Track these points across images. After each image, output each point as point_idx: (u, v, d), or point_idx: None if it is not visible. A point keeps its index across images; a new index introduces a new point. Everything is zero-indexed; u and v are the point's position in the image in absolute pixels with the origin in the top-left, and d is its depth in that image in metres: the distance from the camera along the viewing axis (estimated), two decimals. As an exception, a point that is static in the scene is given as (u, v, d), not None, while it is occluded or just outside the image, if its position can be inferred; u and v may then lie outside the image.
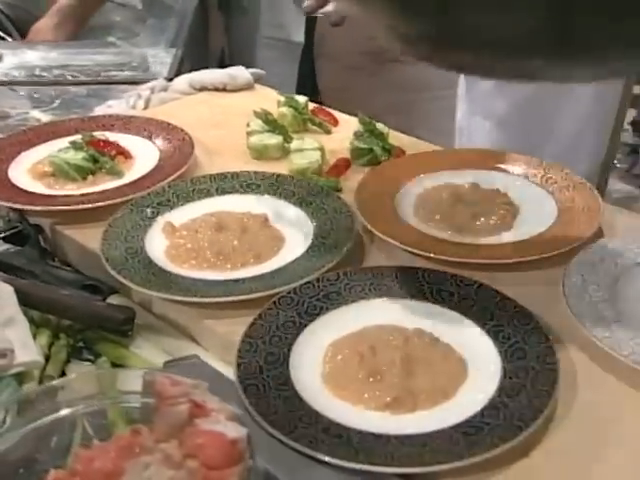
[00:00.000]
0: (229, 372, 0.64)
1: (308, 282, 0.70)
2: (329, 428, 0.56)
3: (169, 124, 1.01)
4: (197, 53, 1.23)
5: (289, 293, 0.69)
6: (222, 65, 1.25)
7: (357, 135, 0.96)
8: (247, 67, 1.21)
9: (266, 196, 0.85)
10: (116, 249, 0.76)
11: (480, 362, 0.62)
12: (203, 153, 0.98)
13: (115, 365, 0.67)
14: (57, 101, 1.20)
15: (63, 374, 0.68)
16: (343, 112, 1.09)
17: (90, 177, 0.90)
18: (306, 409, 0.58)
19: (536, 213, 0.83)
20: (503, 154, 0.94)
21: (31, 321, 0.69)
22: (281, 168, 0.93)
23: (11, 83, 1.26)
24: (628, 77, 1.00)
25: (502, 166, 0.90)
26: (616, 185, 2.70)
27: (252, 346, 0.63)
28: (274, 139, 0.97)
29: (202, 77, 1.20)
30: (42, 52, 1.38)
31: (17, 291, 0.68)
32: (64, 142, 0.96)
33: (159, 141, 0.97)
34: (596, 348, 0.63)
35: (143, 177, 0.89)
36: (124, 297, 0.75)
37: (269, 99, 1.12)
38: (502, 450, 0.53)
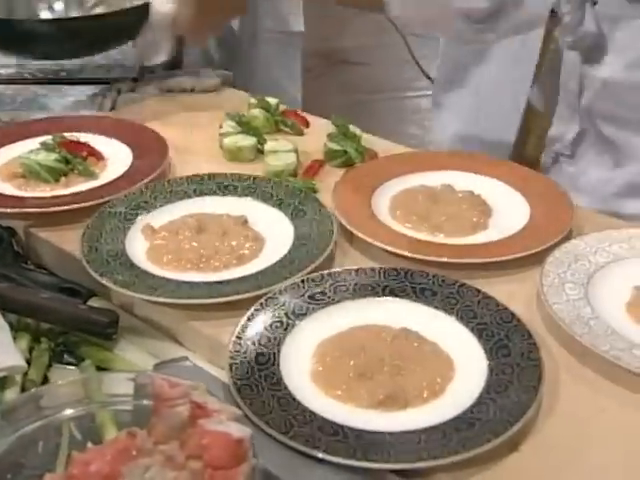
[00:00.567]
0: (217, 373, 0.65)
1: (293, 283, 0.70)
2: (324, 426, 0.56)
3: (140, 125, 1.00)
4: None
5: (275, 294, 0.69)
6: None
7: (331, 137, 0.97)
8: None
9: (244, 198, 0.85)
10: (97, 251, 0.75)
11: (466, 360, 0.64)
12: (175, 154, 0.97)
13: (100, 368, 0.66)
14: (19, 100, 1.18)
15: (45, 378, 0.67)
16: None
17: (62, 179, 0.88)
18: (300, 408, 0.58)
19: (509, 214, 0.85)
20: (475, 156, 0.97)
21: (10, 325, 0.68)
22: (255, 169, 0.93)
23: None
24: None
25: (475, 168, 0.92)
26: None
27: (242, 347, 0.63)
28: (248, 141, 0.97)
29: (169, 79, 1.19)
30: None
31: (-4, 295, 0.67)
32: (32, 143, 0.94)
33: (131, 142, 0.96)
34: (575, 344, 0.65)
35: (118, 178, 0.88)
36: (104, 300, 0.75)
37: (239, 101, 1.12)
38: (494, 445, 0.55)
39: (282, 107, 1.08)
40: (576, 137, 1.02)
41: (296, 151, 0.95)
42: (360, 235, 0.78)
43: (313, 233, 0.78)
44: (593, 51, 0.96)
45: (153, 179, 0.88)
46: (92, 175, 0.90)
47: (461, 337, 0.66)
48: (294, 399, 0.59)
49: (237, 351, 0.63)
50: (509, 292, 0.72)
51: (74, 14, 1.19)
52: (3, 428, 0.56)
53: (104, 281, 0.71)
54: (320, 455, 0.54)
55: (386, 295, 0.70)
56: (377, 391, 0.60)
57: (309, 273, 0.72)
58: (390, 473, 0.54)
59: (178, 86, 1.18)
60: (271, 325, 0.66)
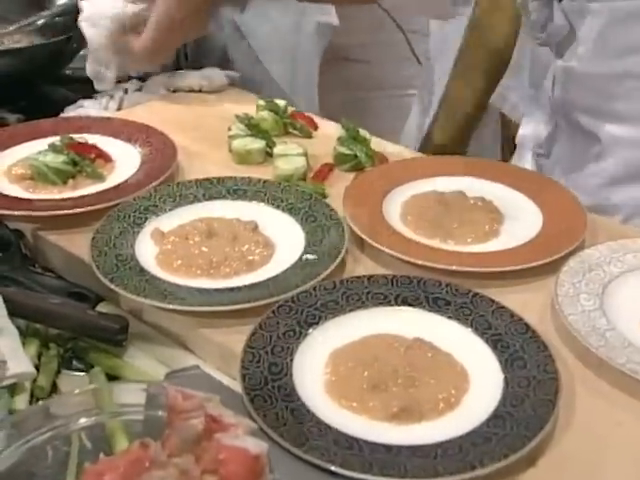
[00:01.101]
0: (228, 382, 0.64)
1: (305, 291, 0.70)
2: (339, 440, 0.56)
3: (148, 126, 0.99)
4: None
5: (287, 302, 0.68)
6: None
7: (341, 141, 0.96)
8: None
9: (254, 202, 0.84)
10: (106, 256, 0.74)
11: (481, 371, 0.63)
12: (183, 157, 0.96)
13: (109, 375, 0.66)
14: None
15: (54, 385, 0.66)
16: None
17: (70, 181, 0.88)
18: (314, 421, 0.57)
19: (522, 221, 0.84)
20: (486, 161, 0.96)
21: (18, 330, 0.67)
22: (264, 172, 0.92)
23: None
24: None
25: (486, 174, 0.91)
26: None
27: (255, 357, 0.62)
28: (257, 143, 0.97)
29: (176, 78, 1.18)
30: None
31: (5, 300, 0.67)
32: (40, 144, 0.93)
33: (139, 144, 0.95)
34: (591, 356, 0.65)
35: (126, 181, 0.87)
36: (112, 305, 0.74)
37: (247, 102, 1.11)
38: (512, 460, 0.54)
39: (290, 109, 1.07)
40: (550, 135, 1.02)
41: (305, 154, 0.94)
42: (372, 242, 0.78)
43: (324, 239, 0.78)
44: (565, 44, 0.95)
45: (162, 182, 0.87)
46: (100, 177, 0.89)
47: (475, 348, 0.65)
48: (308, 411, 0.58)
49: (250, 360, 0.62)
50: (522, 301, 0.71)
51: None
52: (14, 438, 0.55)
53: (114, 287, 0.70)
54: (336, 469, 0.53)
55: (399, 304, 0.70)
56: (391, 403, 0.59)
57: (321, 280, 0.71)
58: (406, 488, 0.53)
59: (186, 86, 1.17)
60: (284, 334, 0.65)
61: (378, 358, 0.64)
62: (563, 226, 0.81)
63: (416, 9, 1.10)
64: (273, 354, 0.63)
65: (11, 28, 1.20)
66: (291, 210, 0.83)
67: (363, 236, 0.79)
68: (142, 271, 0.73)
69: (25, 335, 0.68)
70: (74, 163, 0.89)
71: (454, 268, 0.75)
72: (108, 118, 1.02)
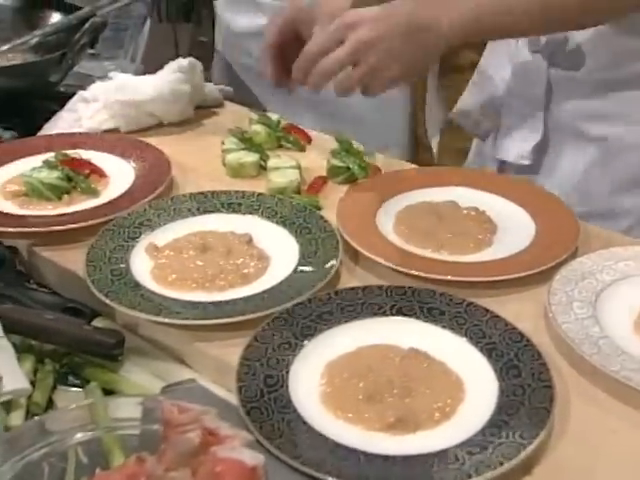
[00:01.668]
0: (224, 395, 0.64)
1: (300, 303, 0.70)
2: (335, 450, 0.56)
3: (142, 142, 1.00)
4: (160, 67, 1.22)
5: (282, 314, 0.69)
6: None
7: (334, 153, 0.97)
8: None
9: (248, 216, 0.85)
10: (101, 271, 0.74)
11: (476, 380, 0.63)
12: (177, 171, 0.96)
13: (105, 390, 0.66)
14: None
15: (50, 400, 0.66)
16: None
17: (65, 196, 0.88)
18: (310, 432, 0.58)
19: (514, 231, 0.84)
20: (478, 171, 0.97)
21: (14, 346, 0.67)
22: (258, 186, 0.93)
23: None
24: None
25: (478, 184, 0.92)
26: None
27: (250, 369, 0.63)
28: (250, 157, 0.97)
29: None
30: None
31: (0, 316, 0.67)
32: (34, 160, 0.93)
33: (133, 159, 0.96)
34: (585, 364, 0.65)
35: (121, 196, 0.88)
36: (107, 320, 0.74)
37: (240, 116, 1.11)
38: (507, 468, 0.54)
39: (284, 122, 1.08)
40: (538, 146, 1.02)
41: (299, 167, 0.95)
42: (366, 253, 0.78)
43: (318, 251, 0.78)
44: (559, 53, 0.96)
45: (156, 197, 0.87)
46: (95, 193, 0.89)
47: (470, 357, 0.66)
48: (304, 422, 0.58)
49: (245, 373, 0.62)
50: (516, 310, 0.72)
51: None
52: (10, 455, 0.55)
53: (109, 301, 0.70)
54: (332, 480, 0.53)
55: (394, 314, 0.70)
56: (387, 414, 0.59)
57: (316, 292, 0.72)
58: (403, 498, 0.53)
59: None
60: (279, 346, 0.65)
61: (373, 369, 0.64)
62: (556, 235, 0.82)
63: None
64: (269, 366, 0.63)
65: (4, 47, 1.21)
66: (285, 223, 0.83)
67: (357, 247, 0.79)
68: (137, 285, 0.73)
69: (20, 351, 0.68)
70: (68, 179, 0.89)
71: (448, 278, 0.75)
72: (102, 134, 1.02)
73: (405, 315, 0.70)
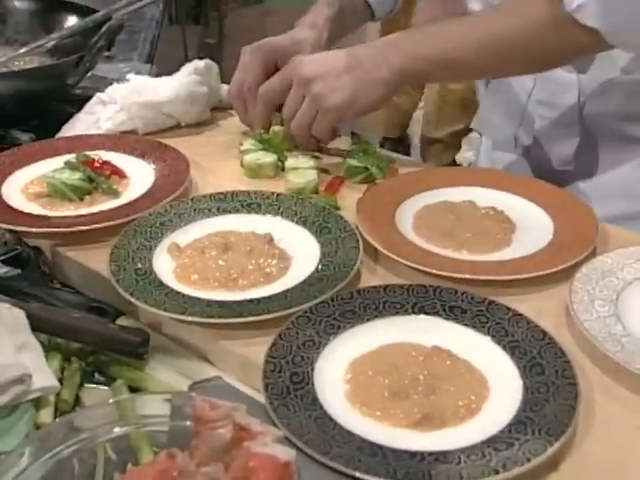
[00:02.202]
0: (250, 393, 0.65)
1: (323, 301, 0.70)
2: (363, 447, 0.56)
3: (161, 143, 1.00)
4: (175, 69, 1.23)
5: (306, 312, 0.69)
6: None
7: (351, 154, 0.98)
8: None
9: (268, 216, 0.85)
10: (125, 271, 0.75)
11: (500, 378, 0.64)
12: (196, 172, 0.97)
13: (131, 388, 0.66)
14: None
15: (77, 398, 0.67)
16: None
17: (87, 197, 0.89)
18: (337, 428, 0.58)
19: (533, 230, 0.85)
20: (495, 171, 0.97)
21: (41, 345, 0.68)
22: (276, 186, 0.93)
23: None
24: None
25: (495, 183, 0.93)
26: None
27: (276, 366, 0.63)
28: (268, 158, 0.98)
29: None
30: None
31: (28, 315, 0.67)
32: (55, 162, 0.94)
33: (152, 160, 0.97)
34: (608, 362, 0.65)
35: (142, 197, 0.89)
36: (131, 319, 0.75)
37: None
38: (534, 464, 0.55)
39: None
40: (577, 149, 1.02)
41: (317, 168, 0.95)
42: (387, 253, 0.79)
43: (339, 250, 0.79)
44: (594, 61, 0.96)
45: (176, 197, 0.88)
46: (115, 194, 0.90)
47: (493, 355, 0.66)
48: (331, 419, 0.59)
49: (271, 370, 0.63)
50: (536, 309, 0.72)
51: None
52: (40, 453, 0.56)
53: (134, 300, 0.71)
54: (360, 475, 0.54)
55: (416, 313, 0.70)
56: (413, 411, 0.60)
57: (338, 291, 0.72)
58: (432, 493, 0.54)
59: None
60: (304, 344, 0.66)
61: (397, 366, 0.64)
62: (574, 234, 0.82)
63: None
64: (294, 364, 0.64)
65: (22, 50, 1.22)
66: (305, 223, 0.84)
67: (378, 247, 0.80)
68: (161, 285, 0.74)
69: (47, 350, 0.68)
70: (90, 180, 0.90)
71: (468, 277, 0.76)
72: (120, 135, 1.03)
73: (427, 314, 0.70)
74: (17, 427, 0.61)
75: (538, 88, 1.04)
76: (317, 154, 0.99)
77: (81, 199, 0.88)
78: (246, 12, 3.11)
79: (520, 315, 0.69)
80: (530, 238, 0.84)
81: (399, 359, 0.65)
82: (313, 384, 0.62)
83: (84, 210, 0.87)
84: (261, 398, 0.61)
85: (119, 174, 0.93)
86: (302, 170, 0.94)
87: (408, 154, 3.04)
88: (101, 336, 0.68)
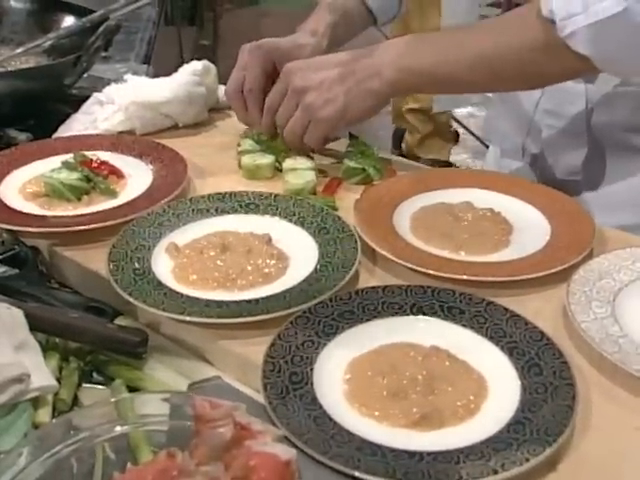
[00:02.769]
0: (249, 393, 0.65)
1: (321, 302, 0.71)
2: (362, 447, 0.57)
3: (158, 143, 1.00)
4: (170, 70, 1.23)
5: (304, 313, 0.69)
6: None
7: (349, 155, 0.98)
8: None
9: (267, 216, 0.85)
10: (123, 270, 0.75)
11: (498, 378, 0.64)
12: (194, 173, 0.97)
13: (130, 388, 0.66)
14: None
15: (75, 398, 0.67)
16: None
17: (85, 197, 0.89)
18: (337, 428, 0.58)
19: (530, 232, 0.85)
20: (492, 173, 0.97)
21: (39, 345, 0.68)
22: (274, 187, 0.94)
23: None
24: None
25: (492, 185, 0.93)
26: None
27: (275, 366, 0.63)
28: (266, 159, 0.98)
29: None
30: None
31: (27, 315, 0.67)
32: (52, 162, 0.94)
33: (150, 160, 0.97)
34: (605, 363, 0.66)
35: (140, 197, 0.89)
36: (129, 319, 0.75)
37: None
38: (533, 464, 0.55)
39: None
40: (585, 159, 1.01)
41: (315, 169, 0.95)
42: (385, 254, 0.79)
43: (337, 251, 0.79)
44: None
45: (174, 197, 0.88)
46: (113, 194, 0.90)
47: (492, 356, 0.66)
48: (330, 419, 0.59)
49: (270, 370, 0.63)
50: (534, 310, 0.73)
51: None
52: (39, 452, 0.56)
53: (133, 300, 0.71)
54: (360, 475, 0.54)
55: (414, 313, 0.71)
56: (412, 411, 0.60)
57: (336, 292, 0.72)
58: (430, 493, 0.54)
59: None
60: (302, 344, 0.66)
61: (396, 367, 0.64)
62: (571, 235, 0.83)
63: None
64: (293, 364, 0.64)
65: (19, 51, 1.22)
66: (303, 223, 0.84)
67: (376, 248, 0.80)
68: (160, 285, 0.74)
69: (45, 349, 0.68)
70: (88, 180, 0.90)
71: (466, 278, 0.76)
72: (117, 136, 1.03)
73: (425, 314, 0.71)
74: (15, 426, 0.60)
75: (545, 98, 1.04)
76: (312, 155, 0.99)
77: (79, 199, 0.88)
78: (241, 13, 3.11)
79: (518, 316, 0.69)
80: (527, 239, 0.84)
81: (398, 359, 0.66)
82: (312, 384, 0.62)
83: (82, 210, 0.87)
84: (260, 398, 0.61)
85: (117, 174, 0.93)
86: (300, 171, 0.94)
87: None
88: (99, 336, 0.68)
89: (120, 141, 1.01)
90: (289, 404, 0.60)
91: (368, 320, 0.70)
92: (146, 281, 0.74)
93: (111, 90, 1.09)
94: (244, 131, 1.04)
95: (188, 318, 0.69)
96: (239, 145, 1.01)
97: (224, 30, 3.11)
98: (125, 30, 1.56)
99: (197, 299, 0.72)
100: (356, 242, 0.79)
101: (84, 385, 0.68)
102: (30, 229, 0.82)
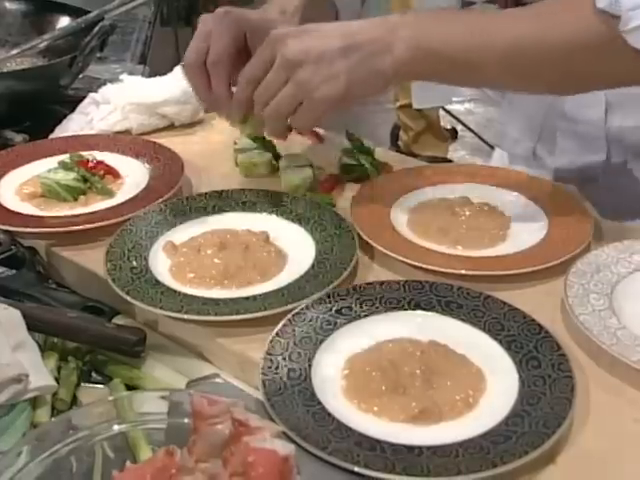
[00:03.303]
0: (247, 390, 0.65)
1: (319, 298, 0.71)
2: (361, 442, 0.56)
3: (155, 142, 1.00)
4: (167, 70, 1.23)
5: (302, 309, 0.69)
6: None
7: (346, 152, 0.98)
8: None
9: (264, 214, 0.86)
10: (121, 270, 0.75)
11: (497, 372, 0.64)
12: (190, 171, 0.97)
13: (129, 387, 0.66)
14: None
15: (74, 397, 0.67)
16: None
17: (81, 197, 0.89)
18: (336, 424, 0.58)
19: (528, 225, 0.85)
20: (490, 168, 0.97)
21: (37, 345, 0.68)
22: (271, 185, 0.93)
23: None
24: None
25: (489, 180, 0.93)
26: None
27: (273, 363, 0.63)
28: (263, 156, 0.98)
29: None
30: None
31: (23, 315, 0.67)
32: (49, 162, 0.94)
33: (146, 160, 0.97)
34: (603, 355, 0.66)
35: (136, 196, 0.89)
36: (127, 318, 0.75)
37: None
38: (532, 457, 0.55)
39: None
40: (604, 163, 0.98)
41: (312, 166, 0.95)
42: (382, 249, 0.79)
43: (335, 247, 0.79)
44: None
45: (171, 196, 0.88)
46: (110, 194, 0.90)
47: (490, 349, 0.66)
48: (329, 414, 0.59)
49: (269, 367, 0.63)
50: (532, 303, 0.72)
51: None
52: (38, 451, 0.56)
53: (130, 299, 0.71)
54: (359, 470, 0.54)
55: (412, 308, 0.71)
56: (411, 405, 0.60)
57: (334, 288, 0.72)
58: (429, 487, 0.54)
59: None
60: (300, 340, 0.66)
61: (394, 362, 0.64)
62: (569, 229, 0.82)
63: None
64: (291, 360, 0.64)
65: (14, 52, 1.22)
66: (301, 220, 0.84)
67: (374, 244, 0.80)
68: (157, 283, 0.74)
69: (44, 349, 0.69)
70: (84, 180, 0.90)
71: (464, 272, 0.76)
72: (116, 135, 1.03)
73: (423, 309, 0.71)
74: (14, 426, 0.61)
75: (560, 101, 0.99)
76: (309, 153, 0.99)
77: (75, 199, 0.88)
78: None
79: (516, 310, 0.69)
80: (525, 233, 0.84)
81: (396, 354, 0.65)
82: (311, 380, 0.62)
83: (79, 210, 0.87)
84: (259, 395, 0.61)
85: (113, 174, 0.93)
86: (297, 168, 0.94)
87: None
88: (97, 335, 0.68)
89: (116, 141, 1.01)
90: (287, 400, 0.60)
91: (366, 316, 0.70)
92: (144, 280, 0.74)
93: (107, 90, 1.09)
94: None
95: (186, 316, 0.69)
96: (235, 143, 1.01)
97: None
98: (121, 30, 1.56)
99: (195, 297, 0.72)
100: (354, 238, 0.79)
101: (83, 385, 0.68)
102: (27, 230, 0.82)
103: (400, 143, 3.20)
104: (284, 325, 0.67)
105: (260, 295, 0.72)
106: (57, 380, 0.66)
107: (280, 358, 0.64)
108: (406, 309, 0.71)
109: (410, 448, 0.56)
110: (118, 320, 0.74)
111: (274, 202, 0.87)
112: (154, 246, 0.80)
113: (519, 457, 0.54)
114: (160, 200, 0.86)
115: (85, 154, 0.94)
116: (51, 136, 1.06)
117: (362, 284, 0.73)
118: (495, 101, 3.32)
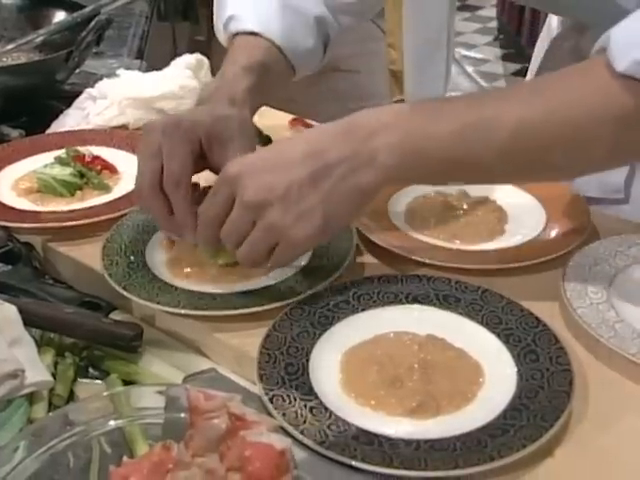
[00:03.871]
0: (244, 384, 0.65)
1: (316, 292, 0.70)
2: (359, 436, 0.56)
3: (151, 137, 1.00)
4: (164, 65, 1.22)
5: (299, 304, 0.69)
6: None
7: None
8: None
9: (262, 208, 0.85)
10: (117, 265, 0.75)
11: (495, 366, 0.64)
12: (187, 166, 0.97)
13: (126, 382, 0.66)
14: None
15: (71, 393, 0.66)
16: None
17: (78, 192, 0.88)
18: (333, 418, 0.58)
19: (525, 219, 0.85)
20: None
21: (33, 340, 0.68)
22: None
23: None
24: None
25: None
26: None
27: (271, 357, 0.63)
28: (260, 151, 0.97)
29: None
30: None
31: (20, 310, 0.67)
32: (45, 157, 0.94)
33: (143, 155, 0.96)
34: (601, 348, 0.65)
35: (133, 192, 0.88)
36: (124, 313, 0.74)
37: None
38: (530, 450, 0.55)
39: (290, 117, 1.08)
40: (628, 176, 0.93)
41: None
42: (380, 243, 0.79)
43: (332, 241, 0.78)
44: None
45: (168, 191, 0.87)
46: (107, 189, 0.90)
47: (488, 343, 0.66)
48: (326, 408, 0.59)
49: (266, 361, 0.63)
50: (530, 297, 0.72)
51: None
52: (35, 447, 0.56)
53: (127, 294, 0.71)
54: (357, 464, 0.54)
55: (410, 302, 0.71)
56: (408, 399, 0.60)
57: (332, 282, 0.72)
58: (428, 481, 0.54)
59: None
60: (298, 335, 0.66)
61: (392, 356, 0.64)
62: (567, 223, 0.82)
63: None
64: (289, 354, 0.64)
65: (10, 47, 1.21)
66: (298, 215, 0.83)
67: (371, 238, 0.80)
68: (154, 278, 0.74)
69: (40, 345, 0.68)
70: (81, 175, 0.90)
71: (461, 266, 0.76)
72: (111, 130, 1.03)
73: (421, 303, 0.70)
74: (11, 422, 0.60)
75: None
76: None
77: (72, 194, 0.88)
78: (235, 8, 3.09)
79: (514, 303, 0.69)
80: (523, 227, 0.84)
81: (394, 348, 0.65)
82: (308, 374, 0.62)
83: (75, 205, 0.87)
84: (256, 390, 0.61)
85: (110, 169, 0.93)
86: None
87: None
88: (94, 330, 0.68)
89: (113, 136, 1.00)
90: (285, 395, 0.60)
91: (364, 310, 0.70)
92: (140, 275, 0.74)
93: (103, 85, 1.09)
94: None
95: (183, 311, 0.69)
96: (232, 138, 1.01)
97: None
98: (117, 25, 1.56)
99: (191, 292, 0.72)
100: (351, 232, 0.79)
101: (80, 380, 0.68)
102: (23, 225, 0.81)
103: None
104: (281, 319, 0.67)
105: (257, 290, 0.72)
106: (54, 375, 0.65)
107: (277, 353, 0.64)
108: (404, 303, 0.70)
109: (408, 442, 0.56)
110: (115, 315, 0.74)
111: (271, 196, 0.86)
112: (151, 241, 0.80)
113: (517, 451, 0.54)
114: (157, 195, 0.86)
115: (82, 149, 0.94)
116: (47, 131, 1.06)
117: (359, 278, 0.73)
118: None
